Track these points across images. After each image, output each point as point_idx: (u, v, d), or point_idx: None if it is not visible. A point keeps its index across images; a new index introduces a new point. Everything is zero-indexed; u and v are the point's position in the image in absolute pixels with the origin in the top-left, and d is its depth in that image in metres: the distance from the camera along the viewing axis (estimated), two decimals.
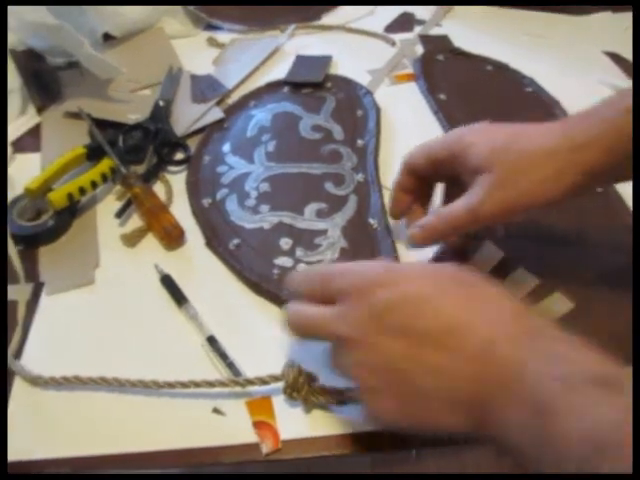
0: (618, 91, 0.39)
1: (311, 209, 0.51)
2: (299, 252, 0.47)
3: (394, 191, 0.45)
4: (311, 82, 0.64)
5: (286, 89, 0.64)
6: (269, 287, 0.45)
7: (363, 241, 0.48)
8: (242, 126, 0.59)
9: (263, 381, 0.38)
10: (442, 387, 0.30)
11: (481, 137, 0.39)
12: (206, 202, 0.52)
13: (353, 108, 0.61)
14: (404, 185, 0.44)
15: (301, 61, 0.68)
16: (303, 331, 0.35)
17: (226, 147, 0.57)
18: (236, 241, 0.48)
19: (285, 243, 0.48)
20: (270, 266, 0.46)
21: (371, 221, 0.50)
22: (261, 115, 0.60)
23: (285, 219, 0.50)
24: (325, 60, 0.68)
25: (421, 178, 0.44)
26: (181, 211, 0.51)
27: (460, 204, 0.39)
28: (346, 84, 0.64)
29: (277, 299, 0.44)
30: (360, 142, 0.57)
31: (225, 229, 0.50)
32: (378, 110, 0.60)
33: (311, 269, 0.42)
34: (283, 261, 0.47)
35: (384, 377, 0.31)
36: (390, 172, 0.53)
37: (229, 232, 0.49)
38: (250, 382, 0.39)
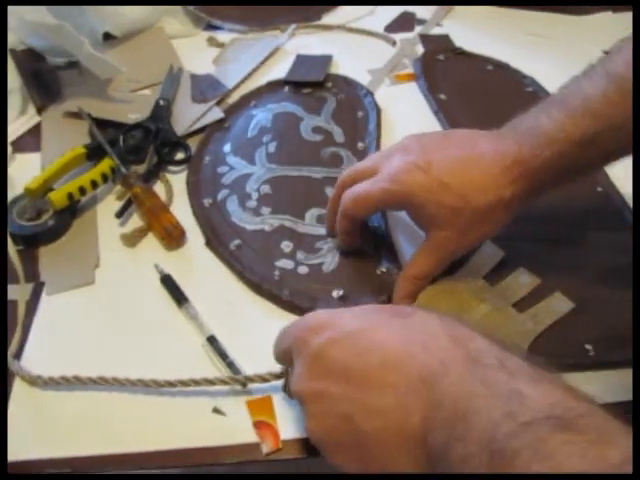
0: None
1: (312, 214, 0.50)
2: (300, 255, 0.47)
3: (342, 234, 0.46)
4: (312, 81, 0.64)
5: (286, 89, 0.64)
6: (270, 288, 0.45)
7: (363, 245, 0.48)
8: (243, 126, 0.59)
9: (263, 378, 0.38)
10: (386, 427, 0.28)
11: (431, 196, 0.40)
12: (207, 202, 0.52)
13: (354, 109, 0.61)
14: (347, 229, 0.45)
15: (301, 60, 0.68)
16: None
17: (227, 147, 0.57)
18: (237, 242, 0.48)
19: (286, 246, 0.48)
20: (271, 267, 0.46)
21: (371, 225, 0.49)
22: (262, 115, 0.60)
23: (286, 223, 0.50)
24: (326, 59, 0.68)
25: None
26: (181, 211, 0.51)
27: (424, 263, 0.42)
28: (346, 84, 0.64)
29: (278, 300, 0.44)
30: (361, 145, 0.57)
31: (226, 230, 0.49)
32: (379, 111, 0.60)
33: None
34: (284, 263, 0.47)
35: (332, 426, 0.30)
36: None
37: (230, 233, 0.49)
38: (250, 379, 0.39)
